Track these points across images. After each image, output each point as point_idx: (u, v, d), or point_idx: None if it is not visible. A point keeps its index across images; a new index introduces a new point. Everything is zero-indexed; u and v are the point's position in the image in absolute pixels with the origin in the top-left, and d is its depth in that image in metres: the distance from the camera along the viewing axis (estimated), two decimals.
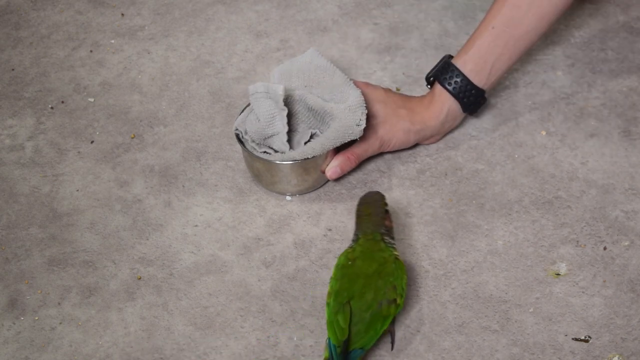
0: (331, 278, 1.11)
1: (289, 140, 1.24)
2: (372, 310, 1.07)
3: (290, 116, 1.24)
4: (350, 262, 1.10)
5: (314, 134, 1.24)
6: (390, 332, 1.11)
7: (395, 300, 1.08)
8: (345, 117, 1.21)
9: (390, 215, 1.17)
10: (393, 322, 1.11)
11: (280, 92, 1.21)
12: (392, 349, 1.10)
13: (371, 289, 1.08)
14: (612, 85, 1.40)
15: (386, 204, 1.17)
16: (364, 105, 1.22)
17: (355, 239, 1.14)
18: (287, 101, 1.23)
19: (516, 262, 1.18)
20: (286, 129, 1.22)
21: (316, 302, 1.15)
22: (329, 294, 1.09)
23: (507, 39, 1.25)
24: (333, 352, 1.05)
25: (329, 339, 1.06)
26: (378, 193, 1.18)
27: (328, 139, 1.22)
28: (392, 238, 1.15)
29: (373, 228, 1.14)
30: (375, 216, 1.15)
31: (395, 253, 1.12)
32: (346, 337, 1.05)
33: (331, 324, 1.06)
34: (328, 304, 1.09)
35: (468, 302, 1.14)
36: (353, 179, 1.29)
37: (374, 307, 1.07)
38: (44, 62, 1.51)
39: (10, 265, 1.22)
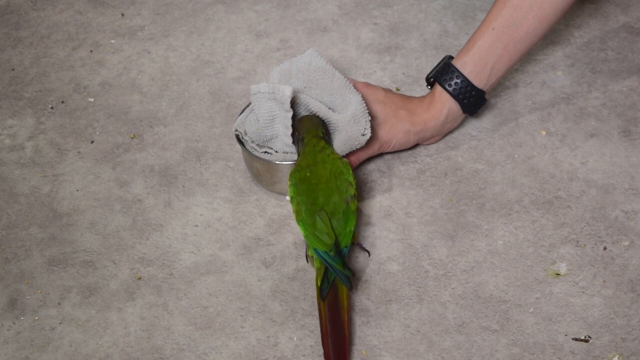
0: (291, 197, 1.16)
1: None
2: (343, 209, 1.14)
3: (292, 118, 1.23)
4: (309, 173, 1.16)
5: None
6: (360, 244, 1.19)
7: (355, 195, 1.15)
8: (350, 128, 1.21)
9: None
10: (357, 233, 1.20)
11: (288, 93, 1.20)
12: (369, 255, 1.19)
13: (334, 191, 1.15)
14: (612, 85, 1.40)
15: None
16: (367, 112, 1.22)
17: (301, 143, 1.19)
18: (290, 103, 1.23)
19: (516, 262, 1.18)
20: (290, 131, 1.22)
21: (316, 302, 1.15)
22: (297, 211, 1.14)
23: (507, 41, 1.25)
24: (327, 258, 1.10)
25: (315, 250, 1.11)
26: (311, 117, 1.22)
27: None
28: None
29: (315, 127, 1.19)
30: (313, 119, 1.20)
31: (334, 152, 1.19)
32: (334, 239, 1.11)
33: (312, 235, 1.12)
34: (302, 220, 1.14)
35: (468, 302, 1.14)
36: None
37: (343, 206, 1.14)
38: (44, 62, 1.51)
39: (10, 265, 1.22)
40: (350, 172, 1.17)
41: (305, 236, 1.13)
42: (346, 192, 1.15)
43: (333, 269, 1.10)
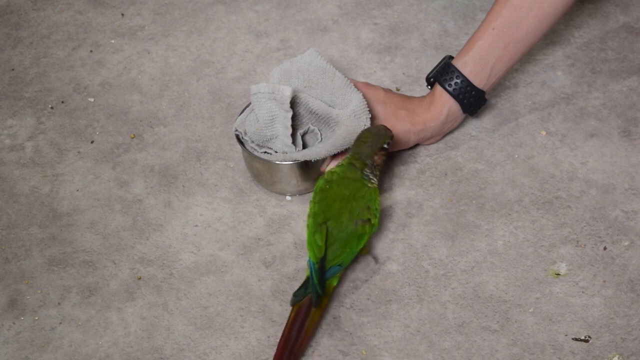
0: (311, 201, 1.16)
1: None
2: (348, 230, 1.13)
3: (292, 118, 1.23)
4: (327, 186, 1.15)
5: (312, 130, 1.25)
6: (372, 255, 1.19)
7: (369, 220, 1.14)
8: (351, 123, 1.21)
9: (384, 154, 1.19)
10: (370, 246, 1.19)
11: (287, 93, 1.20)
12: (376, 262, 1.19)
13: (346, 210, 1.14)
14: (612, 85, 1.40)
15: (387, 142, 1.19)
16: (368, 109, 1.22)
17: (351, 152, 1.18)
18: (290, 103, 1.23)
19: (516, 262, 1.18)
20: (289, 131, 1.22)
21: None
22: (308, 215, 1.15)
23: (507, 41, 1.25)
24: (312, 269, 1.11)
25: (309, 258, 1.12)
26: (386, 129, 1.20)
27: (334, 145, 1.22)
28: (375, 173, 1.18)
29: (362, 156, 1.18)
30: (370, 147, 1.18)
31: (369, 185, 1.16)
32: (323, 254, 1.11)
33: (310, 243, 1.13)
34: (308, 225, 1.14)
35: (468, 302, 1.14)
36: None
37: (350, 227, 1.13)
38: (44, 62, 1.51)
39: (10, 265, 1.22)
40: (377, 199, 1.16)
41: (307, 242, 1.14)
42: (358, 215, 1.14)
43: (311, 281, 1.10)
